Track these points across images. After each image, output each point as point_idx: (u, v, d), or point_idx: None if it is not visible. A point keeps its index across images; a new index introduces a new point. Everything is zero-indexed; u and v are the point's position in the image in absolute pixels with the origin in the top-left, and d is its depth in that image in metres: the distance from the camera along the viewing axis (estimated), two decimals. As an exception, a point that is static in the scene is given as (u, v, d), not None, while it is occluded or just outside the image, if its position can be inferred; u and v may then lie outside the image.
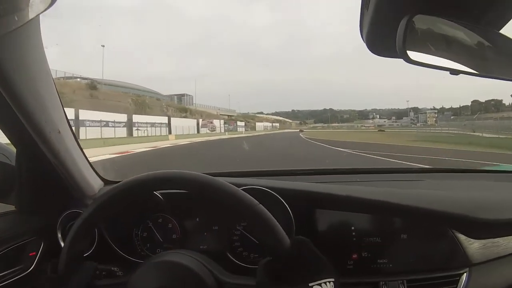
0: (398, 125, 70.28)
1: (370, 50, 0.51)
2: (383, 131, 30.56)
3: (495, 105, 62.26)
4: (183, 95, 46.72)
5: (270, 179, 0.95)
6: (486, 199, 0.90)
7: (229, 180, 0.72)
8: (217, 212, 0.82)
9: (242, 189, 0.59)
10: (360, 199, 0.82)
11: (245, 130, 47.14)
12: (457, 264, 0.81)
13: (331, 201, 0.84)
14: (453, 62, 0.48)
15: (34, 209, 0.86)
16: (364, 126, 73.06)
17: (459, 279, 0.80)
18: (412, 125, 63.91)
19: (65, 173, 0.81)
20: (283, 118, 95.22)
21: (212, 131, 35.74)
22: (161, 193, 0.83)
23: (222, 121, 41.02)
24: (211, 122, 38.11)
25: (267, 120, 72.45)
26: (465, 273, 0.80)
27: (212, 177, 0.59)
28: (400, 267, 0.80)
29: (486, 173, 1.29)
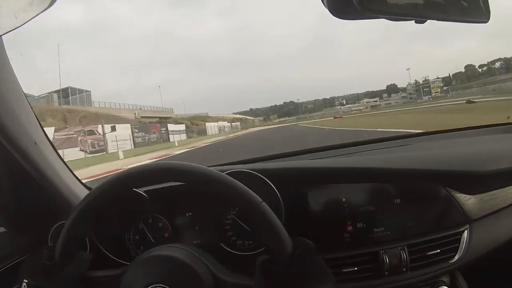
0: (396, 102, 59.54)
1: (332, 14, 0.47)
2: (474, 102, 17.93)
3: (505, 66, 52.87)
4: (65, 90, 26.03)
5: (255, 165, 0.92)
6: (475, 153, 0.89)
7: (218, 169, 0.70)
8: (207, 203, 0.79)
9: (226, 173, 0.57)
10: (346, 169, 0.81)
11: (188, 137, 28.81)
12: (456, 222, 0.80)
13: (316, 175, 0.82)
14: (416, 8, 0.45)
15: (24, 226, 0.85)
16: (353, 110, 60.95)
17: (460, 237, 0.79)
18: (418, 100, 52.28)
19: (48, 185, 0.79)
20: (244, 116, 78.36)
21: (95, 151, 17.14)
22: (146, 192, 0.80)
23: (111, 128, 17.78)
24: (92, 133, 18.07)
25: (224, 119, 54.32)
26: (465, 230, 0.79)
27: (209, 168, 0.56)
28: (398, 233, 0.78)
29: (470, 130, 1.28)
